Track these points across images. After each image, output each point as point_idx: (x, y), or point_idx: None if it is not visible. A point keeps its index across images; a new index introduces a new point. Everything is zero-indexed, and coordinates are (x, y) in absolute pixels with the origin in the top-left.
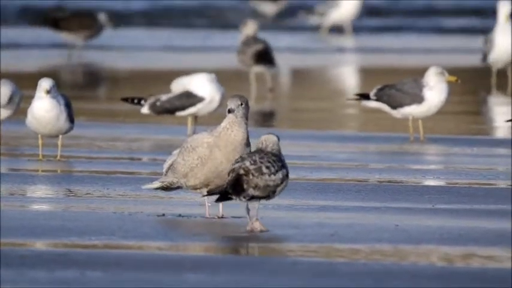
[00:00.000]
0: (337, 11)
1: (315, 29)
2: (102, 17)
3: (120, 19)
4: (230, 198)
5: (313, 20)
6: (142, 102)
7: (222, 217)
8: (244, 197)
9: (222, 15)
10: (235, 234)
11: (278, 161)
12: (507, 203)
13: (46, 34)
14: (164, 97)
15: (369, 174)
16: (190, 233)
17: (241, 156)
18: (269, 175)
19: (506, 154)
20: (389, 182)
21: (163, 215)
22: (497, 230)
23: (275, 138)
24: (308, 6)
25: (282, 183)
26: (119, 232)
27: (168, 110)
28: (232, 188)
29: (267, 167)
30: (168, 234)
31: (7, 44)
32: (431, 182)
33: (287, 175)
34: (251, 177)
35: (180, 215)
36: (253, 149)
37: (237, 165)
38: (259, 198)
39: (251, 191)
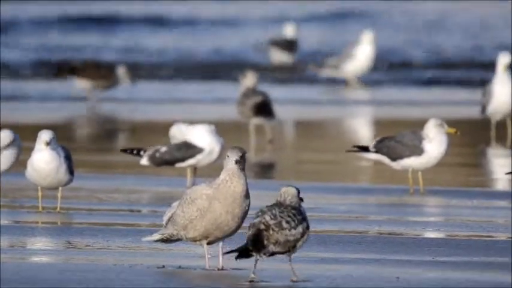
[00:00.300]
0: (351, 63)
1: (319, 81)
2: (120, 71)
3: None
4: (250, 255)
5: (324, 73)
6: (142, 153)
7: (222, 269)
8: (264, 254)
9: (239, 69)
10: (235, 286)
11: (298, 214)
12: (507, 256)
13: (57, 87)
14: (163, 148)
15: (369, 226)
16: (190, 285)
17: (261, 210)
18: (289, 230)
19: (506, 206)
20: (389, 234)
21: (163, 266)
22: (497, 283)
23: (294, 191)
24: (317, 59)
25: (302, 237)
26: (119, 284)
27: (168, 161)
28: (252, 245)
29: (287, 222)
30: (168, 286)
31: (15, 96)
32: (431, 234)
33: (307, 227)
34: (271, 232)
35: (180, 267)
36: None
37: (257, 219)
38: (279, 253)
39: (271, 248)
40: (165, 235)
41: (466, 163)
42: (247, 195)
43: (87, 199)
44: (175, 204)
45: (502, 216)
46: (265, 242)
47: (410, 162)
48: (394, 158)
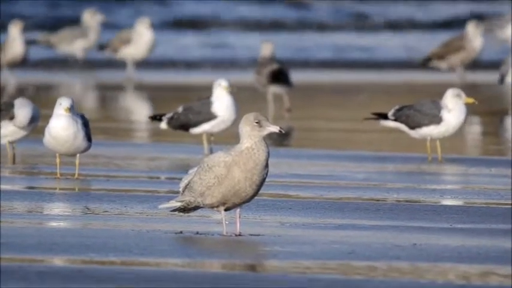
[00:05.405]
0: None
1: None
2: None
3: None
4: None
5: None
6: (163, 118)
7: (239, 235)
8: None
9: None
10: (253, 252)
11: None
12: None
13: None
14: (180, 108)
15: (387, 194)
16: (208, 250)
17: None
18: None
19: None
20: (407, 201)
21: (181, 232)
22: None
23: None
24: None
25: None
26: (137, 249)
27: (183, 125)
28: None
29: None
30: (185, 251)
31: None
32: (449, 202)
33: None
34: None
35: (197, 233)
36: None
37: None
38: None
39: None
40: (182, 202)
41: (484, 132)
42: (267, 164)
43: (105, 165)
44: (192, 171)
45: None
46: None
47: (429, 130)
48: (412, 127)
